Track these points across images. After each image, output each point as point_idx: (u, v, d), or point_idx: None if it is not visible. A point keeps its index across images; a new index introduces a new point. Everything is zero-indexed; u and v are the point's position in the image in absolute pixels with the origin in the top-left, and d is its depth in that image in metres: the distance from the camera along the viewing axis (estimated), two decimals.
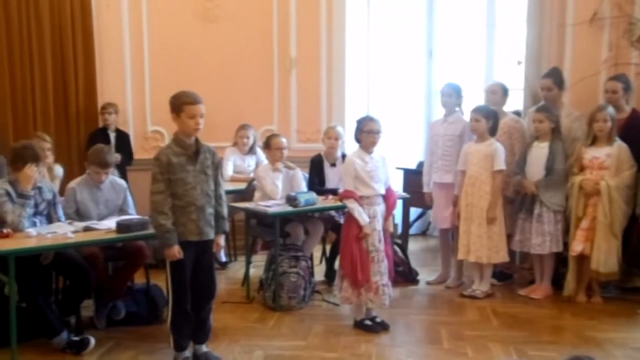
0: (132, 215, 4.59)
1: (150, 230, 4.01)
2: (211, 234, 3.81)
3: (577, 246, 4.97)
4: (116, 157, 6.08)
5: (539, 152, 5.12)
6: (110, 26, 6.74)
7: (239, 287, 5.46)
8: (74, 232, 4.14)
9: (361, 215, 4.35)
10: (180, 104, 3.66)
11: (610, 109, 4.92)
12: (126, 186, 4.80)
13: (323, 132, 5.90)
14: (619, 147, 4.88)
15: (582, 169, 5.01)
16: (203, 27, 6.86)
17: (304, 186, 5.46)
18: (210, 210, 3.79)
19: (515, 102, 5.94)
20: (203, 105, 3.69)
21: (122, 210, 4.67)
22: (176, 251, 3.66)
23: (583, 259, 5.00)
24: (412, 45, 7.23)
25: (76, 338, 4.16)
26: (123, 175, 6.19)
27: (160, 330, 4.35)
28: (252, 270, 5.42)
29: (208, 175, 3.79)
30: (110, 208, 4.64)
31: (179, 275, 3.73)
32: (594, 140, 4.97)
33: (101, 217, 4.54)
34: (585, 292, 5.06)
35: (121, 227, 4.15)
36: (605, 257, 4.84)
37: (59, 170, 5.46)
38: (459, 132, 5.37)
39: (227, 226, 4.00)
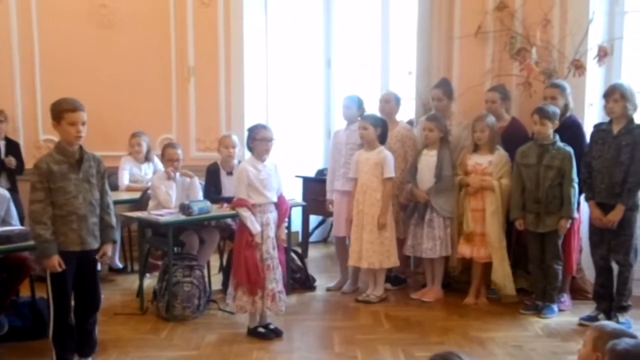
0: (15, 226, 4.42)
1: (32, 242, 3.87)
2: (94, 244, 3.74)
3: (465, 250, 5.17)
4: (9, 160, 5.87)
5: (429, 160, 5.28)
6: None
7: (133, 298, 5.35)
8: None
9: (253, 224, 4.35)
10: (60, 111, 3.59)
11: (490, 119, 5.12)
12: (9, 196, 4.62)
13: (218, 141, 5.88)
14: (500, 155, 5.10)
15: (466, 174, 5.20)
16: (98, 33, 6.70)
17: (200, 195, 5.42)
18: (93, 220, 3.72)
19: (407, 111, 6.12)
20: (84, 113, 3.63)
21: (4, 222, 4.49)
22: (56, 262, 3.56)
23: (472, 262, 5.22)
24: (310, 54, 7.31)
25: None
26: (14, 186, 5.96)
27: (46, 345, 4.13)
28: (147, 281, 5.33)
29: (92, 184, 3.72)
30: None
31: (59, 286, 3.64)
32: (476, 148, 5.18)
33: None
34: (474, 294, 5.26)
35: (0, 238, 4.00)
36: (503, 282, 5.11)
37: None
38: (360, 141, 5.45)
39: (115, 235, 3.93)
